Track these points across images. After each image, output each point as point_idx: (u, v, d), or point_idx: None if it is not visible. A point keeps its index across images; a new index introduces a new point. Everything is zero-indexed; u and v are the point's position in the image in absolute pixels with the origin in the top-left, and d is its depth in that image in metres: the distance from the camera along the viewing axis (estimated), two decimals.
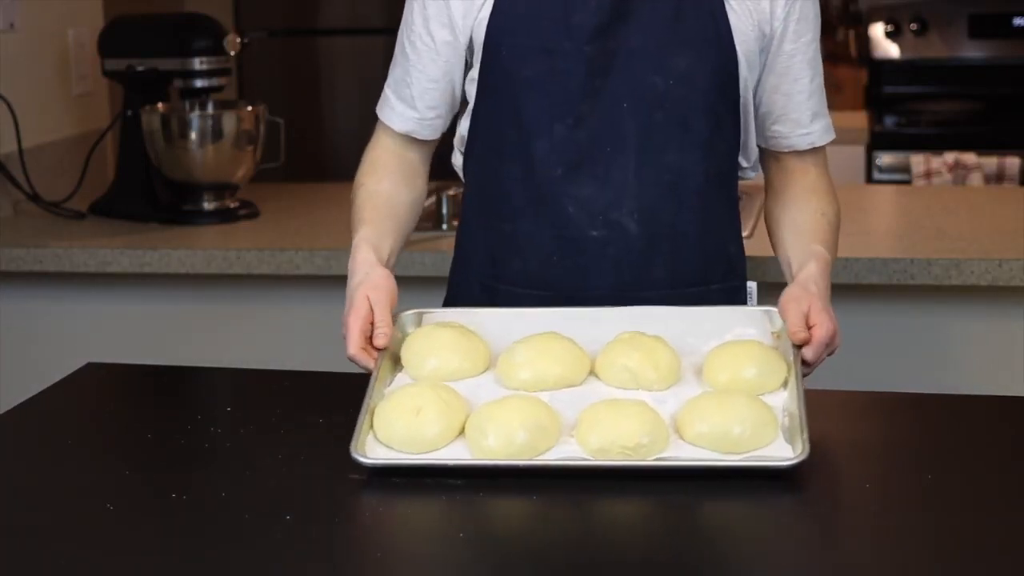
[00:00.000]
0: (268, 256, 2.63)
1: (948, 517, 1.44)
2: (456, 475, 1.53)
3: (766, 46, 1.90)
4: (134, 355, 2.50)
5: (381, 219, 1.92)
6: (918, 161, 3.99)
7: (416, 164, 2.00)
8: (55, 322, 2.80)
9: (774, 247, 1.98)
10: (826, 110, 1.98)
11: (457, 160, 2.02)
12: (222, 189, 2.93)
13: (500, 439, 1.54)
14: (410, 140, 1.99)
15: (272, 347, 2.74)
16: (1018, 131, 4.16)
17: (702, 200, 1.91)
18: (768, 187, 2.02)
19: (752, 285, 1.99)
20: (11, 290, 2.79)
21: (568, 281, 1.91)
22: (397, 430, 1.57)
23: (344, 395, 1.83)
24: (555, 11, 1.85)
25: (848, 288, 2.44)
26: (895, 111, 4.39)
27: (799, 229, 1.93)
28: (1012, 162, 3.97)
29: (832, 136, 1.99)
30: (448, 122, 1.99)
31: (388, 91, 1.99)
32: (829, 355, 1.77)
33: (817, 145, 1.97)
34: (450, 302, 2.04)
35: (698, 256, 1.93)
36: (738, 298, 1.98)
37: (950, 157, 3.98)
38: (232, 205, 2.95)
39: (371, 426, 1.60)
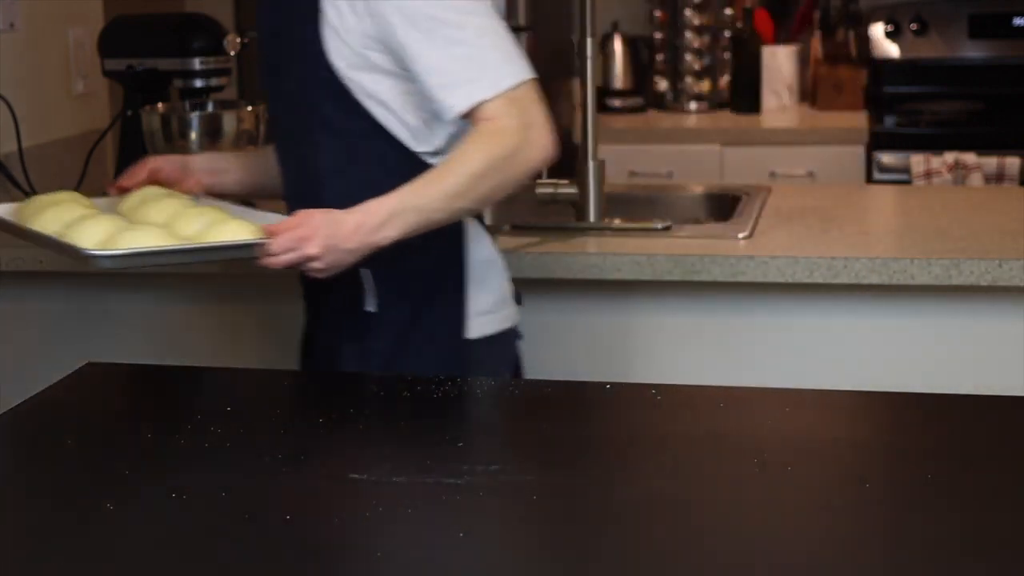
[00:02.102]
0: None
1: (948, 517, 1.44)
2: None
3: (378, 46, 1.93)
4: (134, 355, 2.50)
5: None
6: (918, 161, 3.99)
7: None
8: (55, 322, 2.80)
9: None
10: (471, 73, 1.89)
11: None
12: None
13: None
14: None
15: (272, 347, 2.74)
16: (1018, 131, 4.15)
17: (342, 200, 1.92)
18: None
19: (366, 272, 2.02)
20: (11, 290, 2.79)
21: None
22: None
23: (344, 395, 1.83)
24: None
25: (848, 288, 2.44)
26: (895, 111, 4.38)
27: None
28: (1012, 162, 3.96)
29: (479, 96, 1.89)
30: None
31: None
32: (308, 262, 1.86)
33: (461, 111, 1.90)
34: None
35: None
36: (357, 279, 2.03)
37: (950, 157, 3.97)
38: None
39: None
